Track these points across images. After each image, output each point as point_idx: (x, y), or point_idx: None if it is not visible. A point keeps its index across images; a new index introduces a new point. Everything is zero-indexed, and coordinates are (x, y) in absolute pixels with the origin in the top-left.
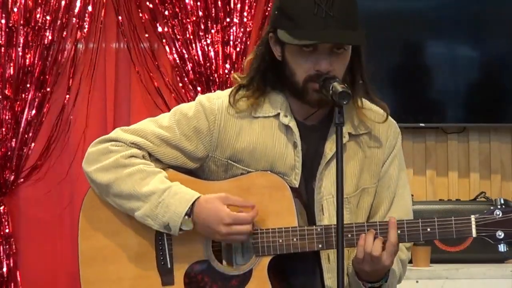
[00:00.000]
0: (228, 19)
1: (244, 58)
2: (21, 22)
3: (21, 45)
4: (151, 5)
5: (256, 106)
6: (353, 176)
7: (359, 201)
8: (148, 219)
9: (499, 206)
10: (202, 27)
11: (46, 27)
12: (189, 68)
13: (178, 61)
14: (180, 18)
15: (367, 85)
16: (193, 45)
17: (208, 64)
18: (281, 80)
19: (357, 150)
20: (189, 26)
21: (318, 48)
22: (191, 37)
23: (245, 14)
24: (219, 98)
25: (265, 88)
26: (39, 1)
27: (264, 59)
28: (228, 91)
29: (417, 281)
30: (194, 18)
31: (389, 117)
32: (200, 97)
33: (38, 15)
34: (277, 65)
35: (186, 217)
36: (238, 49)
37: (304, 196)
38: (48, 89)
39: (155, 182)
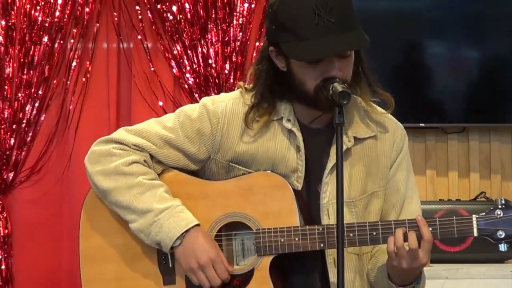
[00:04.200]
0: (228, 19)
1: (244, 58)
2: (21, 21)
3: (21, 44)
4: (150, 5)
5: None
6: (358, 180)
7: (368, 205)
8: (141, 233)
9: (499, 206)
10: (202, 26)
11: (47, 26)
12: (189, 69)
13: (178, 60)
14: (179, 18)
15: (369, 77)
16: (193, 44)
17: (208, 64)
18: (288, 90)
19: (363, 154)
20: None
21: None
22: (191, 37)
23: (245, 13)
24: (223, 101)
25: (274, 102)
26: (39, 0)
27: (269, 73)
28: (233, 94)
29: None
30: (194, 18)
31: (396, 120)
32: (205, 100)
33: (38, 14)
34: (282, 76)
35: (178, 241)
36: (238, 49)
37: (305, 198)
38: (48, 89)
39: (153, 199)
